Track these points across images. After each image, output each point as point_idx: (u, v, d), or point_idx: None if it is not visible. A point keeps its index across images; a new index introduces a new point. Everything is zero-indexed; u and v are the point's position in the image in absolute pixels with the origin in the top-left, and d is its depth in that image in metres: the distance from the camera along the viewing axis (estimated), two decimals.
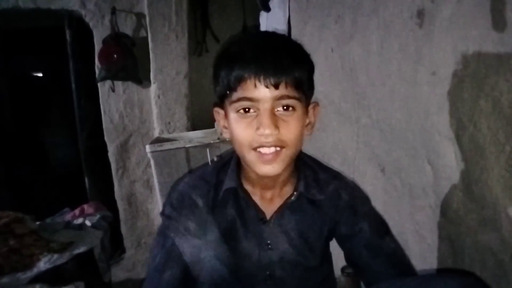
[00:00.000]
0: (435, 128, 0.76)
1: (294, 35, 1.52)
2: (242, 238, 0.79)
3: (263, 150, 0.68)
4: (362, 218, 0.81)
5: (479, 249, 0.69)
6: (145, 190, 2.46)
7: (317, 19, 1.31)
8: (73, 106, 2.49)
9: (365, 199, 0.85)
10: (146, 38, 2.28)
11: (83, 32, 2.35)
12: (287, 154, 0.69)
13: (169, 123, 2.34)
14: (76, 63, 2.42)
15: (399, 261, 0.80)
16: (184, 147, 1.82)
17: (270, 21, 1.66)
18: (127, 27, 2.31)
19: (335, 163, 1.28)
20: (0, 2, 2.20)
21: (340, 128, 1.22)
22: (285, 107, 0.68)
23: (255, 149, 0.68)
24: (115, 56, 2.10)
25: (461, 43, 0.66)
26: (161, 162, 1.83)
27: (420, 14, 0.77)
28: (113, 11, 2.23)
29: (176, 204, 0.80)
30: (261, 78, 0.64)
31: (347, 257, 0.86)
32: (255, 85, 0.65)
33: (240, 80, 0.66)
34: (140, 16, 2.32)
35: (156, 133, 2.34)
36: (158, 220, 2.43)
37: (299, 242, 0.80)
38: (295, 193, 0.79)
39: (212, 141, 1.84)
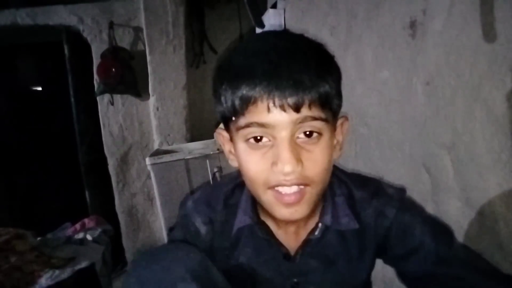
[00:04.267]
0: (431, 137, 0.76)
1: None
2: (263, 281, 0.66)
3: (283, 190, 0.53)
4: (419, 229, 0.63)
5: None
6: (146, 203, 2.46)
7: (313, 30, 1.32)
8: (72, 120, 2.51)
9: (416, 207, 0.69)
10: (144, 51, 2.30)
11: (81, 46, 2.37)
12: (312, 193, 0.55)
13: (169, 134, 2.35)
14: (74, 77, 2.45)
15: (478, 267, 0.61)
16: (183, 159, 1.83)
17: None
18: (125, 41, 2.34)
19: None
20: None
21: None
22: (308, 133, 0.52)
23: (272, 188, 0.54)
24: (113, 70, 2.12)
25: (453, 54, 0.67)
26: (161, 174, 1.83)
27: (413, 25, 0.78)
28: (111, 26, 2.26)
29: (184, 226, 0.70)
30: (276, 99, 0.49)
31: (410, 283, 0.68)
32: (269, 109, 0.50)
33: (248, 102, 0.50)
34: (137, 29, 2.35)
35: (155, 145, 2.36)
36: (159, 232, 2.43)
37: (332, 276, 0.66)
38: (319, 225, 0.64)
39: (211, 152, 1.85)
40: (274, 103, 0.49)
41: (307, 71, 0.50)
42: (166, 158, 1.82)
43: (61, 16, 2.30)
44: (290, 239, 0.66)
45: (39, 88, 3.89)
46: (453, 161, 0.72)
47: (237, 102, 0.51)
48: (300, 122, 0.51)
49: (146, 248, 2.48)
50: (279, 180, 0.52)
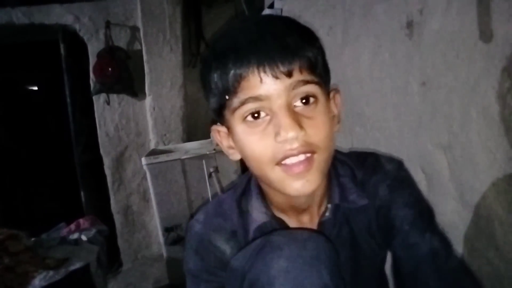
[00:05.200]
0: (428, 137, 0.76)
1: None
2: None
3: (290, 160, 0.51)
4: (402, 212, 0.62)
5: (474, 257, 0.69)
6: (141, 203, 2.45)
7: None
8: (68, 119, 2.49)
9: (407, 186, 0.65)
10: (141, 51, 2.30)
11: (78, 46, 2.36)
12: (320, 160, 0.53)
13: (165, 134, 2.34)
14: (71, 77, 2.43)
15: (440, 267, 0.60)
16: (179, 159, 1.82)
17: None
18: (121, 40, 2.32)
19: None
20: None
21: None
22: (304, 100, 0.52)
23: (279, 163, 0.52)
24: (109, 69, 2.11)
25: (449, 54, 0.67)
26: (157, 174, 1.82)
27: (410, 25, 0.78)
28: (107, 25, 2.25)
29: (202, 252, 0.64)
30: (266, 68, 0.49)
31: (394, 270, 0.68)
32: (261, 80, 0.49)
33: (239, 79, 0.50)
34: (134, 29, 2.34)
35: (152, 145, 2.35)
36: (155, 233, 2.42)
37: (354, 256, 0.65)
38: (328, 206, 0.63)
39: (208, 152, 1.85)
40: (265, 72, 0.49)
41: (291, 36, 0.51)
42: (162, 158, 1.81)
43: (57, 15, 2.29)
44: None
45: (35, 88, 3.87)
46: (449, 161, 0.72)
47: (229, 81, 0.51)
48: (293, 88, 0.51)
49: (141, 248, 2.47)
50: (285, 151, 0.51)
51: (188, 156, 1.82)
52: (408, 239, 0.61)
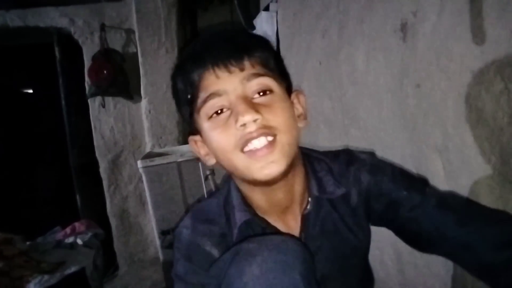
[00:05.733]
0: (422, 140, 0.77)
1: (282, 49, 1.54)
2: None
3: (253, 145, 0.55)
4: (392, 185, 0.65)
5: None
6: (137, 206, 2.44)
7: (305, 33, 1.33)
8: (63, 122, 2.48)
9: (386, 166, 0.70)
10: (136, 53, 2.29)
11: (73, 48, 2.35)
12: (283, 142, 0.56)
13: (161, 137, 2.34)
14: (66, 79, 2.42)
15: (445, 205, 0.62)
16: (176, 162, 1.81)
17: None
18: (116, 43, 2.32)
19: None
20: None
21: (330, 139, 1.23)
22: (260, 92, 0.56)
23: (242, 150, 0.55)
24: (105, 72, 2.10)
25: (443, 56, 0.67)
26: (153, 177, 1.82)
27: (404, 27, 0.79)
28: (102, 28, 2.24)
29: (192, 257, 0.64)
30: (220, 65, 0.55)
31: (401, 235, 0.70)
32: (217, 76, 0.55)
33: (198, 79, 0.56)
34: (129, 32, 2.33)
35: (147, 148, 2.34)
36: (151, 236, 2.41)
37: (339, 247, 0.67)
38: (309, 199, 0.65)
39: None
40: (220, 69, 0.55)
41: (241, 37, 0.59)
42: (158, 161, 1.80)
43: (52, 17, 2.28)
44: (293, 226, 0.66)
45: (30, 91, 3.85)
46: (443, 163, 0.72)
47: (191, 83, 0.57)
48: (248, 80, 0.56)
49: (138, 251, 2.46)
50: (245, 134, 0.54)
51: (184, 159, 1.81)
52: (412, 201, 0.63)
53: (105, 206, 2.40)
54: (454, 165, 0.69)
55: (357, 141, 1.06)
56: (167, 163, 1.80)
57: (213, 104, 0.56)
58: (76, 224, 2.07)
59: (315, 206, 0.65)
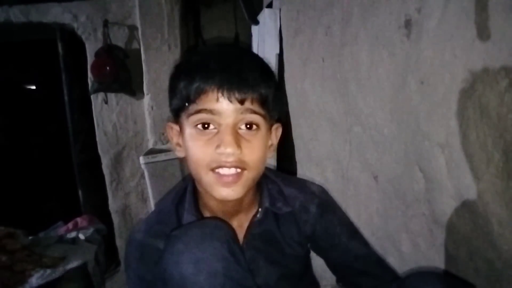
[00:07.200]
0: (426, 136, 0.77)
1: (286, 46, 1.53)
2: None
3: (223, 171, 0.62)
4: (338, 229, 0.78)
5: (472, 256, 0.70)
6: (139, 202, 2.44)
7: (308, 30, 1.32)
8: (66, 119, 2.49)
9: (335, 206, 0.82)
10: (139, 50, 2.29)
11: (76, 45, 2.36)
12: (248, 177, 0.63)
13: (163, 134, 2.34)
14: (68, 76, 2.43)
15: (384, 266, 0.80)
16: (177, 158, 1.82)
17: (262, 32, 1.68)
18: (119, 39, 2.32)
19: (328, 172, 1.28)
20: None
21: (332, 136, 1.23)
22: (248, 126, 0.63)
23: (213, 170, 0.62)
24: (107, 68, 2.10)
25: (448, 53, 0.67)
26: (155, 174, 1.82)
27: (408, 24, 0.78)
28: (105, 24, 2.24)
29: (145, 257, 0.68)
30: (225, 91, 0.59)
31: (333, 269, 0.84)
32: (218, 99, 0.60)
33: (201, 92, 0.60)
34: (132, 28, 2.33)
35: (150, 145, 2.34)
36: None
37: (279, 256, 0.75)
38: (259, 209, 0.74)
39: None
40: (223, 94, 0.59)
41: (252, 73, 0.62)
42: (160, 157, 1.81)
43: (55, 13, 2.28)
44: (237, 232, 0.71)
45: (33, 87, 3.86)
46: (447, 160, 0.72)
47: (191, 92, 0.61)
48: (242, 113, 0.61)
49: None
50: (220, 161, 0.61)
51: None
52: (348, 247, 0.77)
53: (107, 202, 2.41)
54: (457, 162, 0.69)
55: (360, 138, 1.06)
56: (169, 159, 1.81)
57: (204, 118, 0.61)
58: (78, 219, 2.08)
59: (263, 215, 0.74)
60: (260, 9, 1.73)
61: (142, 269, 0.69)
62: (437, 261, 0.81)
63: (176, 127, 0.69)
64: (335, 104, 1.18)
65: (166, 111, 2.31)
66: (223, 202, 0.67)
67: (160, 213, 0.74)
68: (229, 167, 0.61)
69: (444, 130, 0.71)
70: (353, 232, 0.80)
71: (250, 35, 1.88)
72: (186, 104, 0.62)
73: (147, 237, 0.70)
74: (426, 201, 0.81)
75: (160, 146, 2.21)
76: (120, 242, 2.43)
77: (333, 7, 1.12)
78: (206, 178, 0.63)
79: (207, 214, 0.72)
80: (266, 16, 1.62)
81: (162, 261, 0.59)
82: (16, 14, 2.23)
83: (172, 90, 0.66)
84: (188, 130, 0.63)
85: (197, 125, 0.62)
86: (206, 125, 0.62)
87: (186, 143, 0.65)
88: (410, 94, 0.79)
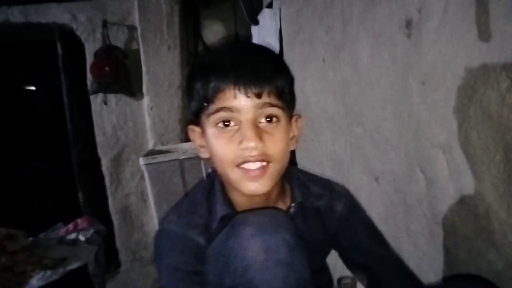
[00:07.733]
0: (427, 137, 0.76)
1: (286, 46, 1.53)
2: None
3: (248, 166, 0.62)
4: (361, 229, 0.79)
5: (473, 257, 0.69)
6: (139, 203, 2.44)
7: (308, 30, 1.32)
8: (65, 119, 2.48)
9: (359, 207, 0.83)
10: (138, 50, 2.29)
11: (75, 45, 2.35)
12: (274, 169, 0.64)
13: (163, 135, 2.34)
14: (67, 76, 2.42)
15: (403, 269, 0.79)
16: (178, 159, 1.82)
17: (262, 32, 1.67)
18: (118, 39, 2.32)
19: (329, 173, 1.28)
20: None
21: (333, 137, 1.23)
22: (268, 119, 0.63)
23: (239, 165, 0.63)
24: (107, 68, 2.10)
25: (448, 53, 0.67)
26: (155, 175, 1.82)
27: (408, 24, 0.78)
28: (105, 24, 2.24)
29: (179, 247, 0.68)
30: (241, 87, 0.60)
31: (351, 268, 0.85)
32: (235, 96, 0.60)
33: (218, 91, 0.61)
34: (131, 28, 2.33)
35: (149, 145, 2.34)
36: (153, 233, 2.41)
37: (309, 243, 0.73)
38: (293, 204, 0.74)
39: None
40: (239, 90, 0.60)
41: (266, 66, 0.63)
42: (160, 158, 1.81)
43: (54, 14, 2.27)
44: None
45: (32, 87, 3.85)
46: (448, 161, 0.72)
47: (209, 92, 0.61)
48: (260, 108, 0.61)
49: (140, 248, 2.46)
50: (245, 156, 0.61)
51: (186, 157, 1.81)
52: (370, 248, 0.78)
53: (107, 203, 2.41)
54: (458, 163, 0.69)
55: (361, 139, 1.05)
56: (169, 160, 1.81)
57: (223, 116, 0.62)
58: (79, 220, 2.08)
59: (297, 209, 0.74)
60: (260, 9, 1.73)
61: (176, 259, 0.67)
62: (438, 262, 0.81)
63: (197, 129, 0.70)
64: (335, 105, 1.18)
65: (166, 112, 2.31)
66: (250, 197, 0.67)
67: (191, 204, 0.73)
68: (254, 161, 0.62)
69: (445, 130, 0.71)
70: (376, 233, 0.81)
71: (250, 35, 1.88)
72: (205, 104, 0.63)
73: (179, 226, 0.69)
74: (427, 202, 0.81)
75: (160, 147, 2.21)
76: (120, 243, 2.43)
77: (333, 7, 1.12)
78: (233, 175, 0.64)
79: (235, 207, 0.71)
80: (266, 16, 1.62)
81: (227, 244, 0.58)
82: (15, 15, 2.23)
83: (190, 92, 0.67)
84: (210, 130, 0.64)
85: (217, 123, 0.63)
86: (226, 123, 0.63)
87: (209, 142, 0.65)
88: (411, 95, 0.79)
